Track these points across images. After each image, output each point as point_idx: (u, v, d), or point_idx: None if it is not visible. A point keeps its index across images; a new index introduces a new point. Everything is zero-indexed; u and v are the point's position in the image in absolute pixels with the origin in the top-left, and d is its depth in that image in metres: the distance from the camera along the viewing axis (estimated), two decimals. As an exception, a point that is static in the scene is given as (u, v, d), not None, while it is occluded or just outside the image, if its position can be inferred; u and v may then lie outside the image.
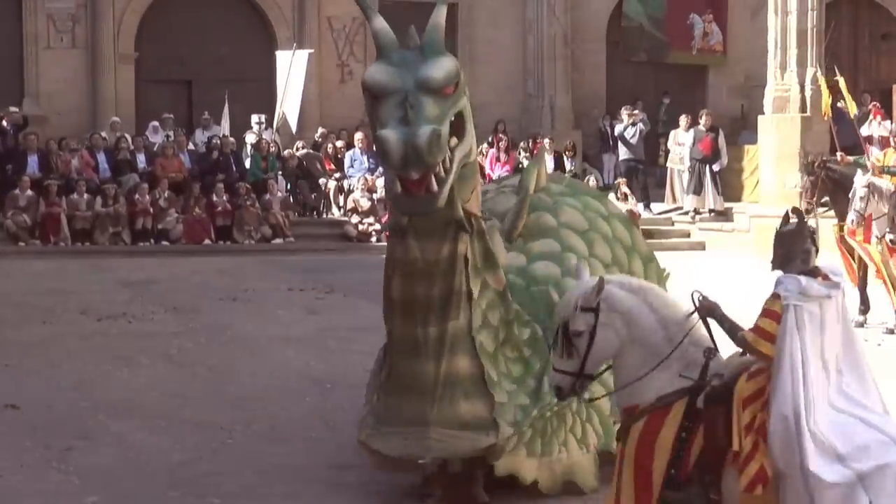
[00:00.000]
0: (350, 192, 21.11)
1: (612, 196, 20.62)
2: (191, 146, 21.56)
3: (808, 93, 19.59)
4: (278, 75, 21.86)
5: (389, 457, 6.61)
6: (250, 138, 21.66)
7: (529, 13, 24.32)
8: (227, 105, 21.93)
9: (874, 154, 14.67)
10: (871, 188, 12.30)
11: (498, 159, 21.72)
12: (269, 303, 14.09)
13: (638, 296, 5.30)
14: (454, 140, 5.81)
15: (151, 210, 19.55)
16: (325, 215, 21.44)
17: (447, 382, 6.37)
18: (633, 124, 22.27)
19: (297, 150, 21.66)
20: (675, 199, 22.29)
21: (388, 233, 6.81)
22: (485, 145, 21.39)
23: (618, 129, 22.61)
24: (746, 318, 5.25)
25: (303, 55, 21.55)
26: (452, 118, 5.76)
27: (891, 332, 12.37)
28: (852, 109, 15.60)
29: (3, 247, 18.45)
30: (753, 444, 4.96)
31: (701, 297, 5.26)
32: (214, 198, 19.95)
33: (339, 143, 22.24)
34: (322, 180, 21.53)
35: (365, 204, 20.68)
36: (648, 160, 22.93)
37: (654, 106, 24.28)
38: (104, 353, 11.14)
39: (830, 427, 4.90)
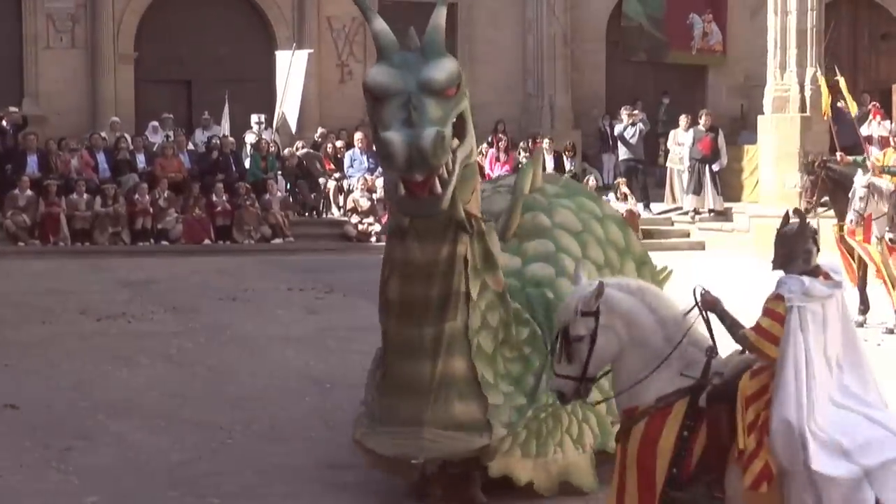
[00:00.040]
0: (350, 191, 21.11)
1: (611, 196, 20.67)
2: (190, 146, 21.55)
3: (807, 93, 19.59)
4: (278, 75, 21.85)
5: (384, 456, 6.62)
6: (250, 138, 21.65)
7: (529, 13, 24.31)
8: (227, 105, 21.93)
9: (874, 154, 14.66)
10: (871, 188, 12.30)
11: (497, 159, 21.72)
12: (268, 303, 14.09)
13: (636, 297, 5.31)
14: (455, 141, 5.81)
15: (151, 210, 19.54)
16: (324, 215, 21.43)
17: (442, 383, 6.37)
18: (633, 124, 22.26)
19: (297, 149, 21.66)
20: (674, 199, 22.29)
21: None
22: (484, 145, 21.39)
23: (617, 128, 22.60)
24: (746, 317, 5.25)
25: (302, 55, 21.54)
26: (454, 120, 5.77)
27: (890, 331, 12.37)
28: (853, 109, 15.61)
29: (2, 247, 18.44)
30: (757, 441, 4.98)
31: (703, 292, 5.27)
32: (214, 198, 19.94)
33: (339, 143, 22.24)
34: (322, 180, 21.53)
35: (364, 204, 20.67)
36: (648, 160, 22.92)
37: (654, 106, 24.27)
38: (103, 353, 11.13)
39: (832, 423, 4.93)
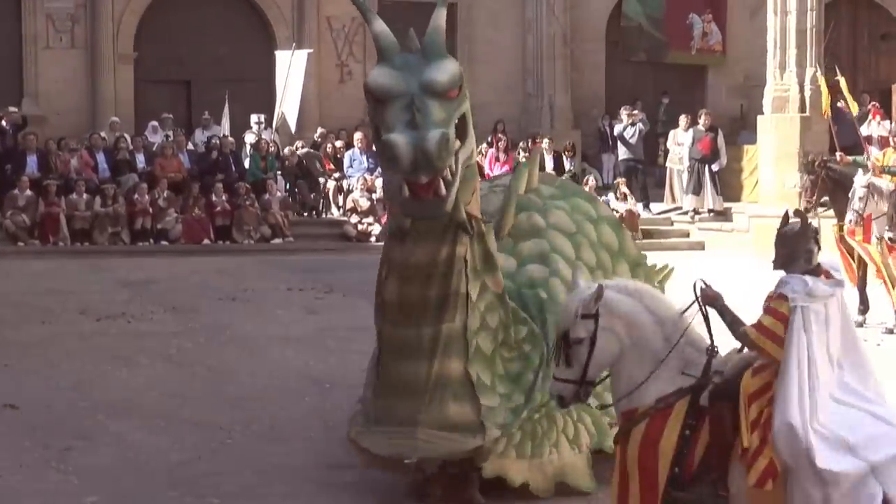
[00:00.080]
0: (349, 191, 21.10)
1: (611, 196, 20.67)
2: (190, 146, 21.55)
3: (807, 93, 19.58)
4: (277, 75, 21.85)
5: (378, 455, 6.63)
6: (249, 138, 21.65)
7: (529, 13, 24.31)
8: (226, 105, 21.93)
9: (874, 154, 14.67)
10: (871, 188, 12.31)
11: (497, 159, 21.72)
12: (268, 303, 14.08)
13: (634, 298, 5.32)
14: (457, 143, 5.80)
15: (150, 210, 19.53)
16: (324, 215, 21.43)
17: (438, 384, 6.38)
18: (633, 124, 22.26)
19: (297, 149, 21.66)
20: (674, 199, 22.29)
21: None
22: (484, 145, 21.39)
23: (617, 128, 22.60)
24: (746, 317, 5.25)
25: (302, 55, 21.53)
26: (456, 121, 5.76)
27: (890, 331, 12.37)
28: (854, 109, 15.61)
29: (2, 247, 18.44)
30: (761, 438, 4.99)
31: (704, 286, 5.27)
32: (214, 198, 19.94)
33: (339, 143, 22.24)
34: (321, 180, 21.53)
35: (364, 204, 20.67)
36: (648, 160, 22.92)
37: (654, 106, 24.27)
38: (103, 353, 11.13)
39: (835, 420, 4.95)
